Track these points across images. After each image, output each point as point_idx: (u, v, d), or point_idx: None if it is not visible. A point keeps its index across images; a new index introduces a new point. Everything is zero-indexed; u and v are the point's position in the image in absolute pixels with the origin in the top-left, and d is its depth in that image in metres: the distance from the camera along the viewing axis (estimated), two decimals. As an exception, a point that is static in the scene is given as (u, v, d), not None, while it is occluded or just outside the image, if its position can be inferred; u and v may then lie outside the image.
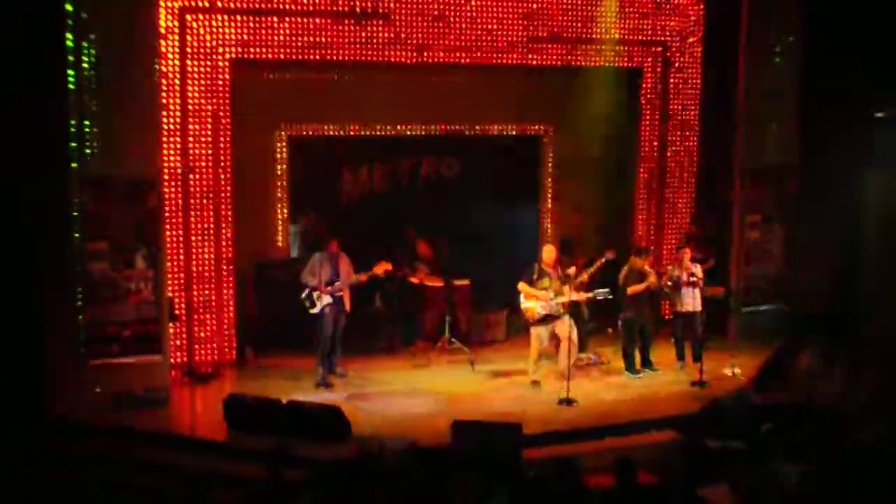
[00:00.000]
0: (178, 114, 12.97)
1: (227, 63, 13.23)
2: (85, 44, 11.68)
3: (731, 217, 15.31)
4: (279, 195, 14.69)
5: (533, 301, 12.44)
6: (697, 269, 13.35)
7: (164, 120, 12.72)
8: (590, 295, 12.71)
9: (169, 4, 12.71)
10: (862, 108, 14.51)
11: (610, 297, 12.81)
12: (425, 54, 14.10)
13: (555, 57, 14.82)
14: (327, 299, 12.75)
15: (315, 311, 12.78)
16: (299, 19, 13.33)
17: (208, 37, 13.05)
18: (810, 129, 14.83)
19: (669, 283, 13.24)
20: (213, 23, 13.05)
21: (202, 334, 13.44)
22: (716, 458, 9.90)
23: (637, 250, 13.73)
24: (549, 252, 12.67)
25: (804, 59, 14.84)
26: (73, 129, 11.74)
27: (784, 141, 15.14)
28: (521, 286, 12.52)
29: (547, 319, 12.51)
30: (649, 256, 13.56)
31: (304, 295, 12.79)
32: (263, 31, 13.28)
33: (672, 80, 15.48)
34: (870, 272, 14.39)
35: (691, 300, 13.25)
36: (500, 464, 9.46)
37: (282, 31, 13.32)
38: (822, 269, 14.78)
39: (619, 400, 12.41)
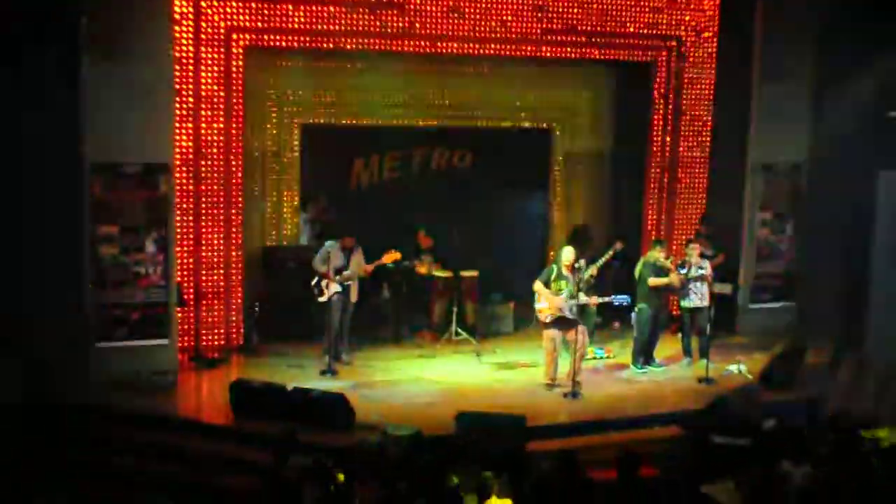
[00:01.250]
0: (190, 100, 12.98)
1: (240, 50, 13.23)
2: (98, 29, 11.72)
3: (742, 213, 15.31)
4: (290, 183, 14.69)
5: (546, 303, 12.31)
6: (706, 265, 13.31)
7: (177, 106, 12.75)
8: (605, 300, 12.50)
9: (183, -10, 12.75)
10: (875, 108, 14.44)
11: (627, 304, 12.66)
12: (439, 45, 14.08)
13: (568, 50, 14.78)
14: (336, 287, 12.79)
15: (323, 299, 12.83)
16: (314, 7, 13.30)
17: (222, 23, 13.05)
18: (823, 127, 14.81)
19: (683, 270, 13.12)
20: (228, 9, 13.05)
21: (210, 319, 13.47)
22: (720, 455, 9.89)
23: (653, 242, 13.71)
24: (568, 254, 12.33)
25: (818, 56, 14.81)
26: (84, 115, 11.78)
27: (796, 138, 15.12)
28: (537, 286, 12.32)
29: (560, 323, 12.25)
30: (664, 248, 13.51)
31: (313, 283, 12.84)
32: (278, 19, 13.26)
33: (686, 75, 15.42)
34: (880, 272, 14.32)
35: (699, 296, 13.22)
36: (503, 455, 9.49)
37: (296, 19, 13.30)
38: (831, 267, 14.74)
39: (625, 394, 12.42)
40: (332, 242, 12.96)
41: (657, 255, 13.16)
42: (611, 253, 13.27)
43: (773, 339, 14.43)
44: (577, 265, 12.26)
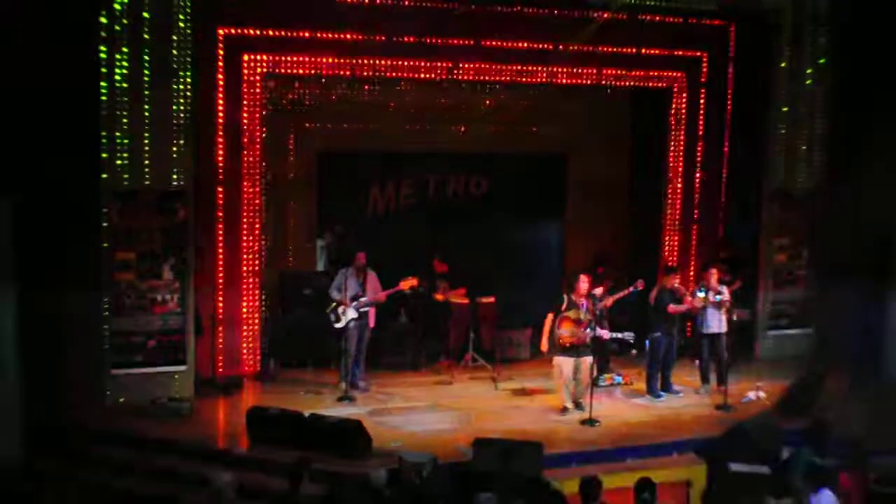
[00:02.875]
0: (210, 126, 13.04)
1: (258, 77, 13.31)
2: (118, 55, 11.84)
3: (759, 239, 15.28)
4: (307, 209, 14.72)
5: (567, 331, 12.13)
6: (724, 291, 13.25)
7: (196, 132, 12.83)
8: (616, 336, 12.47)
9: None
10: (891, 133, 14.41)
11: (632, 341, 12.71)
12: (455, 71, 14.12)
13: (584, 76, 14.81)
14: (352, 314, 12.81)
15: (340, 325, 12.85)
16: (331, 35, 13.36)
17: (241, 49, 13.12)
18: (839, 152, 14.78)
19: (700, 294, 13.08)
20: (246, 35, 13.11)
21: (227, 346, 13.48)
22: (739, 483, 9.83)
23: (665, 269, 13.69)
24: (583, 283, 12.25)
25: (835, 81, 14.81)
26: (104, 141, 11.90)
27: (813, 164, 15.10)
28: (549, 319, 12.23)
29: (572, 350, 12.17)
30: (677, 274, 13.48)
31: (329, 309, 12.86)
32: (295, 46, 13.33)
33: (702, 101, 15.43)
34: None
35: (717, 322, 13.16)
36: (520, 482, 9.45)
37: (314, 47, 13.36)
38: (849, 293, 14.67)
39: (642, 421, 12.35)
40: (345, 269, 12.98)
41: (672, 281, 13.13)
42: (630, 290, 13.21)
43: (791, 366, 14.37)
44: (592, 293, 12.25)
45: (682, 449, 11.36)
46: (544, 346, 12.37)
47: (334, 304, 12.86)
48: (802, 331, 15.49)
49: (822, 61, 14.90)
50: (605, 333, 12.40)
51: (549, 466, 10.38)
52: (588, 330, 12.04)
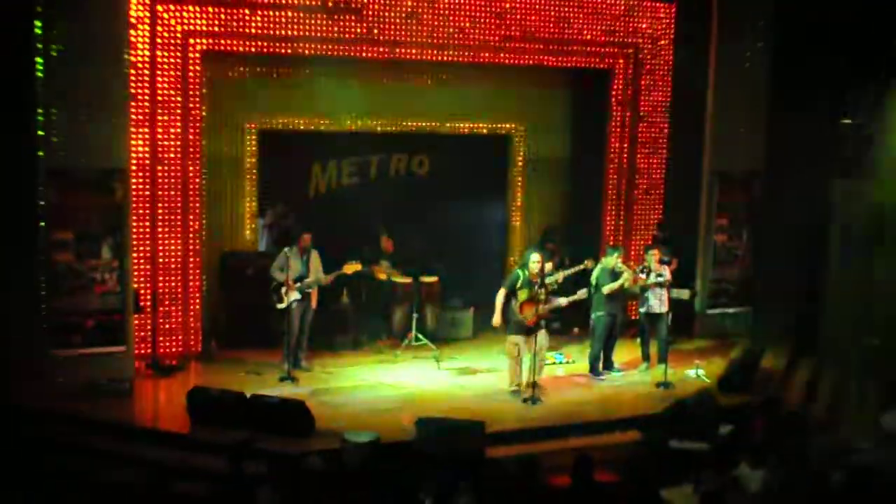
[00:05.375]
0: (147, 104, 12.89)
1: (197, 55, 13.16)
2: (54, 32, 11.63)
3: (699, 220, 15.44)
4: (248, 188, 14.60)
5: (530, 311, 12.08)
6: (665, 271, 13.38)
7: (133, 111, 12.67)
8: (573, 298, 12.59)
9: (140, -6, 12.65)
10: (829, 115, 14.63)
11: (586, 296, 12.81)
12: (397, 51, 14.08)
13: (527, 57, 14.85)
14: (295, 295, 12.73)
15: (282, 306, 12.78)
16: (271, 12, 13.25)
17: (179, 28, 12.97)
18: (777, 134, 14.97)
19: (643, 275, 13.20)
20: (185, 14, 12.97)
21: (167, 326, 13.37)
22: (679, 460, 9.95)
23: (609, 248, 13.77)
24: (535, 261, 12.17)
25: (773, 63, 14.99)
26: (40, 119, 11.69)
27: (752, 145, 15.27)
28: (502, 294, 12.19)
29: (530, 329, 12.14)
30: (620, 254, 13.58)
31: (271, 289, 12.79)
32: (235, 24, 13.19)
33: (643, 82, 15.54)
34: (833, 278, 14.52)
35: (658, 301, 13.28)
36: (463, 461, 9.49)
37: (253, 24, 13.24)
38: (787, 272, 14.91)
39: (584, 399, 12.46)
40: (288, 250, 12.91)
41: (613, 260, 13.21)
42: (579, 268, 13.27)
43: (730, 344, 14.58)
44: (543, 271, 12.25)
45: (624, 426, 11.49)
46: (497, 321, 12.33)
47: (277, 284, 12.78)
48: (741, 309, 15.70)
49: (759, 44, 15.05)
50: (563, 300, 12.51)
51: (493, 444, 10.45)
52: (548, 303, 12.09)
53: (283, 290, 12.75)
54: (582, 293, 12.67)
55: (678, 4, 15.39)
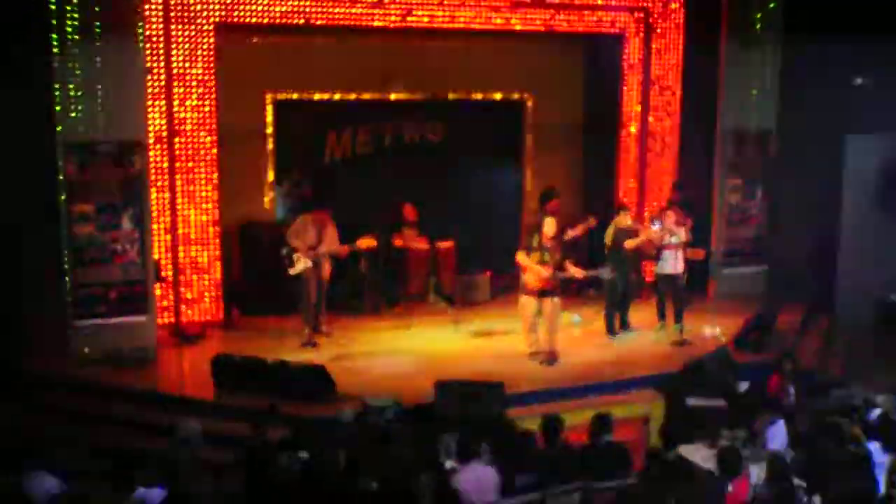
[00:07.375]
0: (162, 77, 12.99)
1: (211, 27, 13.24)
2: (68, 6, 11.72)
3: (712, 180, 15.49)
4: (264, 157, 14.71)
5: (533, 276, 12.14)
6: (681, 232, 13.42)
7: (149, 83, 12.77)
8: (591, 272, 12.48)
9: (153, -33, 12.71)
10: (841, 74, 14.61)
11: (611, 276, 12.69)
12: (410, 18, 14.12)
13: (538, 22, 14.87)
14: (306, 263, 12.81)
15: (293, 272, 12.84)
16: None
17: (192, 0, 13.04)
18: (790, 93, 14.97)
19: (656, 228, 13.28)
20: (198, -15, 13.06)
21: (189, 295, 13.54)
22: (696, 417, 10.06)
23: (617, 208, 13.82)
24: (549, 225, 12.13)
25: (785, 23, 14.96)
26: (57, 93, 11.80)
27: (765, 105, 15.29)
28: (520, 257, 12.18)
29: (540, 292, 12.17)
30: (629, 213, 13.63)
31: (283, 253, 12.90)
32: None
33: (654, 46, 15.54)
34: (848, 235, 14.56)
35: (673, 262, 13.32)
36: (483, 423, 9.61)
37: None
38: (801, 231, 14.95)
39: (601, 359, 12.55)
40: (304, 217, 13.01)
41: (624, 219, 13.30)
42: (583, 226, 13.30)
43: (745, 303, 14.65)
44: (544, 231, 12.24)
45: (641, 385, 11.62)
46: (546, 272, 12.11)
47: (289, 250, 12.89)
48: (755, 268, 15.77)
49: (771, 6, 15.05)
50: (579, 272, 12.31)
51: (512, 406, 10.59)
52: (556, 272, 12.05)
53: (295, 255, 12.84)
54: (604, 271, 12.53)
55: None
